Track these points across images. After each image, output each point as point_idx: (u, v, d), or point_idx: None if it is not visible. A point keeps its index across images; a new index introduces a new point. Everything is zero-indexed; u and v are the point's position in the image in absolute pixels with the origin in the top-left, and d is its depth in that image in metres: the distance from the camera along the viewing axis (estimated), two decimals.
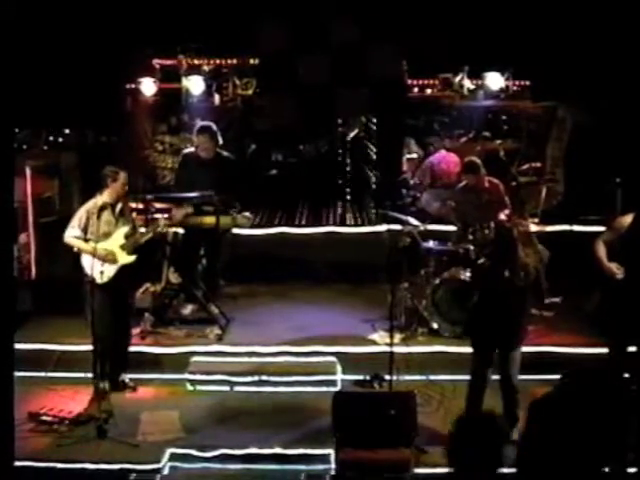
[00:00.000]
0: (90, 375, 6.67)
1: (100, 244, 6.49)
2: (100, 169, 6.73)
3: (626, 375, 6.20)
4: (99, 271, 6.48)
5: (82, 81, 9.39)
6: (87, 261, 6.53)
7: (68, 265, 7.39)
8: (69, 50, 9.36)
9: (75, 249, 6.64)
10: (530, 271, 5.71)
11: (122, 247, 6.63)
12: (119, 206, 6.68)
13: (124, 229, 6.69)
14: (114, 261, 6.57)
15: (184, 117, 10.66)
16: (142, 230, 6.89)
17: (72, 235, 6.56)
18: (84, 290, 6.62)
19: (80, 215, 6.59)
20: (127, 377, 6.90)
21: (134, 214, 7.17)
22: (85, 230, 6.52)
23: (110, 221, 6.62)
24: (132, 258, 6.67)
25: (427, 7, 9.74)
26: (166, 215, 7.38)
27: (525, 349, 7.15)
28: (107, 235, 6.58)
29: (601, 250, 6.08)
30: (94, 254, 6.44)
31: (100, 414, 6.03)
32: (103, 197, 6.62)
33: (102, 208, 6.55)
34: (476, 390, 5.90)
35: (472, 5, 9.72)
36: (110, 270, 6.56)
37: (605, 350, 6.34)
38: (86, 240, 6.52)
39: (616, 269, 5.97)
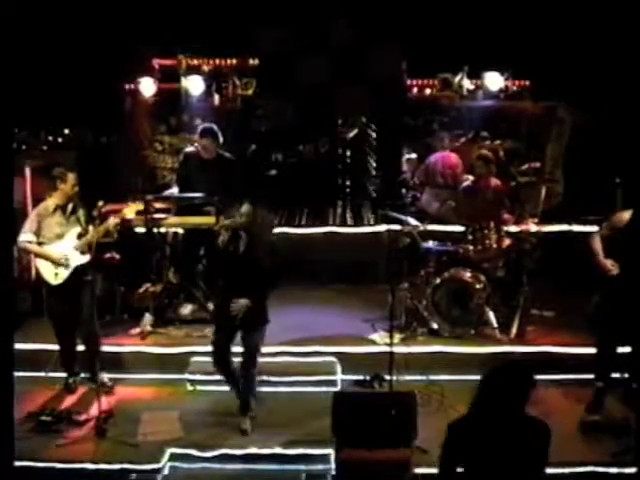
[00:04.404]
0: (88, 375, 6.80)
1: (53, 246, 6.55)
2: (99, 170, 6.73)
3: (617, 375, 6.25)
4: (53, 273, 6.56)
5: (81, 81, 9.40)
6: (41, 264, 6.62)
7: None
8: (69, 50, 9.37)
9: (31, 253, 6.74)
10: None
11: (76, 248, 6.61)
12: (70, 207, 6.66)
13: (76, 230, 6.67)
14: (67, 264, 6.57)
15: (184, 117, 10.64)
16: (92, 230, 6.72)
17: (25, 240, 6.57)
18: (43, 291, 6.76)
19: (32, 219, 6.61)
20: (105, 377, 6.84)
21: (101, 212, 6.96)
22: (37, 234, 6.56)
23: (62, 222, 6.62)
24: (86, 258, 6.61)
25: (426, 7, 9.75)
26: (116, 215, 7.02)
27: (525, 349, 7.19)
28: (60, 237, 6.60)
29: (597, 245, 6.08)
30: (48, 257, 6.54)
31: (99, 413, 6.02)
32: (54, 199, 6.63)
33: (54, 210, 6.59)
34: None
35: (471, 5, 9.73)
36: (64, 272, 6.58)
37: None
38: (39, 243, 6.57)
39: (610, 265, 5.97)
